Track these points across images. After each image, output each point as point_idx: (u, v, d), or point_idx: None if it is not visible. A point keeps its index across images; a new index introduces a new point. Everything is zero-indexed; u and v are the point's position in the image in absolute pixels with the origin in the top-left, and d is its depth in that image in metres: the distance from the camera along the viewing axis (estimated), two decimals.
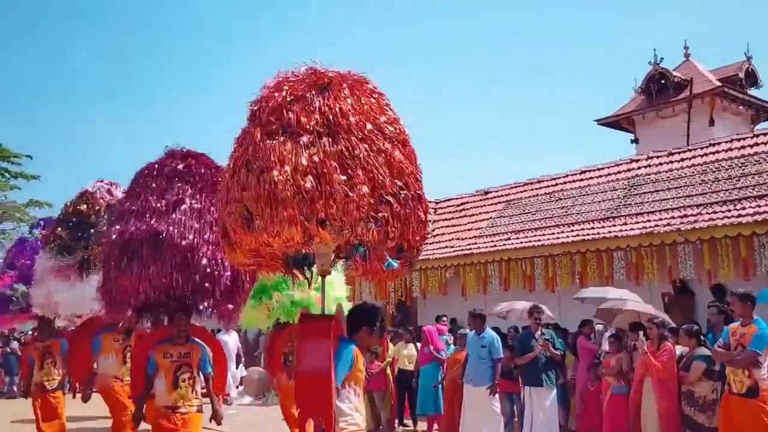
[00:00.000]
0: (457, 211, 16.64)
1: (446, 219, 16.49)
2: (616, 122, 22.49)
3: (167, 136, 63.46)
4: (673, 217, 11.18)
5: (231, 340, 14.96)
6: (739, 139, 12.80)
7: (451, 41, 68.42)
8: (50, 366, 8.13)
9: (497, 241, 13.66)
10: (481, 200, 16.53)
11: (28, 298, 8.23)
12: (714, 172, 12.08)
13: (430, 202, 14.47)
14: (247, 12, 70.96)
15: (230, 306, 6.01)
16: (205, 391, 5.91)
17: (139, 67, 65.19)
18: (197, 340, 5.90)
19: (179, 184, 5.89)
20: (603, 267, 11.49)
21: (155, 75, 67.72)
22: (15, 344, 18.01)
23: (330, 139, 3.55)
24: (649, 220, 11.49)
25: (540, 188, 15.35)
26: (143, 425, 6.22)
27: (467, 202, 16.81)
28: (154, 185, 5.94)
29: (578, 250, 11.82)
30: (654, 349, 7.41)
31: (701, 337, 7.24)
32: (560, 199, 14.31)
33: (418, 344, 10.96)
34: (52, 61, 58.93)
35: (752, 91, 22.00)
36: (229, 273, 5.75)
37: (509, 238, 13.57)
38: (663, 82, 21.31)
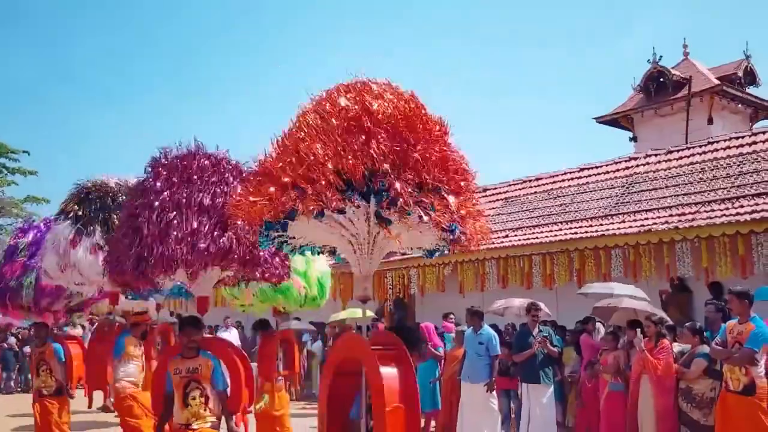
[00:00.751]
0: None
1: None
2: (614, 120, 22.51)
3: (165, 132, 63.41)
4: (671, 215, 11.20)
5: (232, 337, 14.97)
6: (737, 138, 12.81)
7: (449, 39, 68.41)
8: (45, 373, 7.97)
9: (495, 238, 13.66)
10: (479, 197, 16.46)
11: (39, 274, 7.93)
12: (712, 170, 12.10)
13: None
14: (246, 5, 70.90)
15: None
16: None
17: (138, 62, 65.14)
18: (209, 353, 5.33)
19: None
20: (601, 265, 11.50)
21: (153, 70, 67.67)
22: (12, 340, 18.01)
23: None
24: (647, 218, 11.51)
25: (539, 186, 15.37)
26: None
27: None
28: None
29: (576, 248, 11.83)
30: (651, 347, 7.42)
31: (704, 335, 7.25)
32: (558, 197, 14.33)
33: None
34: (50, 56, 58.89)
35: (751, 90, 22.01)
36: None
37: (507, 236, 13.58)
38: (662, 80, 21.33)
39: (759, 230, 9.75)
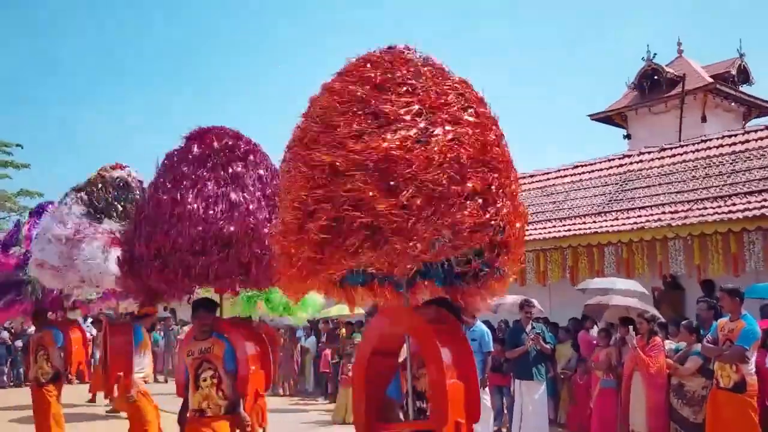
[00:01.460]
0: None
1: None
2: (608, 118, 22.53)
3: (158, 125, 63.14)
4: (663, 213, 11.24)
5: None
6: (730, 136, 12.85)
7: (445, 36, 68.33)
8: (43, 359, 7.79)
9: None
10: None
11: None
12: (705, 168, 12.14)
13: None
14: (245, 4, 70.62)
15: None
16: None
17: (130, 55, 64.81)
18: (223, 335, 5.15)
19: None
20: (594, 262, 11.54)
21: (146, 63, 67.33)
22: (5, 334, 17.92)
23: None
24: (640, 216, 11.55)
25: (532, 183, 15.37)
26: None
27: None
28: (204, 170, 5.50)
29: (570, 245, 11.87)
30: (643, 344, 7.45)
31: (700, 333, 7.29)
32: (552, 194, 14.35)
33: None
34: (42, 49, 58.52)
35: (744, 88, 22.06)
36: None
37: None
38: (656, 78, 21.36)
39: (751, 228, 9.80)
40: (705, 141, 13.18)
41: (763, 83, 38.76)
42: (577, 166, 14.94)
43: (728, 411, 6.21)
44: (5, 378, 17.64)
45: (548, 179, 15.11)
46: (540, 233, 12.59)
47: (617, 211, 12.21)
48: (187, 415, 5.19)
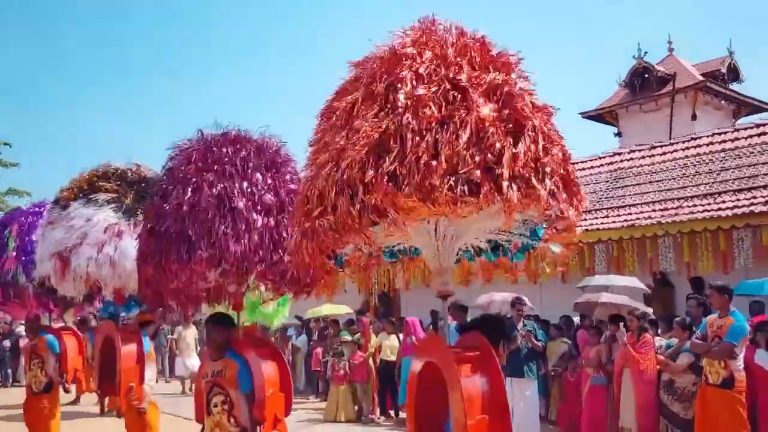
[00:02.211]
0: None
1: None
2: (599, 115, 22.60)
3: (149, 123, 62.85)
4: (654, 210, 11.28)
5: (189, 334, 14.91)
6: (720, 134, 12.91)
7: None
8: (36, 367, 7.39)
9: None
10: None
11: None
12: (695, 166, 12.19)
13: None
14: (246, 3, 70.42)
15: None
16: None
17: (121, 53, 64.46)
18: (236, 353, 4.58)
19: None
20: (584, 259, 11.56)
21: (137, 61, 67.00)
22: None
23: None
24: (630, 213, 11.59)
25: None
26: None
27: None
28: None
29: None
30: (634, 341, 7.47)
31: (693, 330, 7.31)
32: None
33: (401, 335, 10.98)
34: (31, 47, 58.11)
35: (734, 86, 22.19)
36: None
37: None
38: (646, 76, 21.44)
39: (740, 225, 9.84)
40: (695, 139, 13.24)
41: (753, 81, 39.09)
42: None
43: (717, 407, 6.24)
44: None
45: None
46: None
47: (608, 208, 12.24)
48: None
